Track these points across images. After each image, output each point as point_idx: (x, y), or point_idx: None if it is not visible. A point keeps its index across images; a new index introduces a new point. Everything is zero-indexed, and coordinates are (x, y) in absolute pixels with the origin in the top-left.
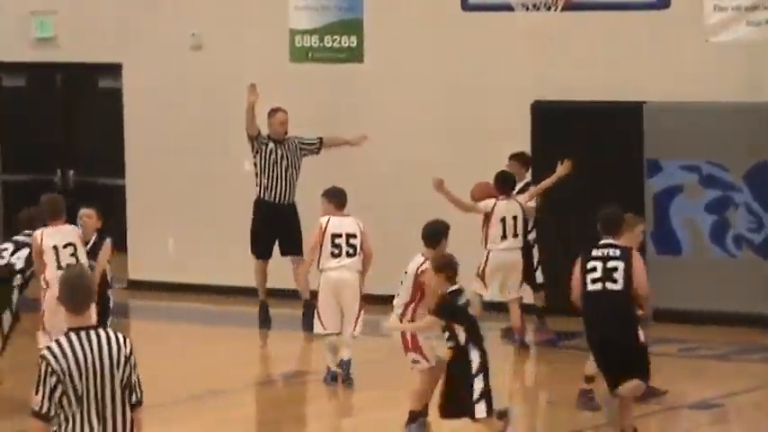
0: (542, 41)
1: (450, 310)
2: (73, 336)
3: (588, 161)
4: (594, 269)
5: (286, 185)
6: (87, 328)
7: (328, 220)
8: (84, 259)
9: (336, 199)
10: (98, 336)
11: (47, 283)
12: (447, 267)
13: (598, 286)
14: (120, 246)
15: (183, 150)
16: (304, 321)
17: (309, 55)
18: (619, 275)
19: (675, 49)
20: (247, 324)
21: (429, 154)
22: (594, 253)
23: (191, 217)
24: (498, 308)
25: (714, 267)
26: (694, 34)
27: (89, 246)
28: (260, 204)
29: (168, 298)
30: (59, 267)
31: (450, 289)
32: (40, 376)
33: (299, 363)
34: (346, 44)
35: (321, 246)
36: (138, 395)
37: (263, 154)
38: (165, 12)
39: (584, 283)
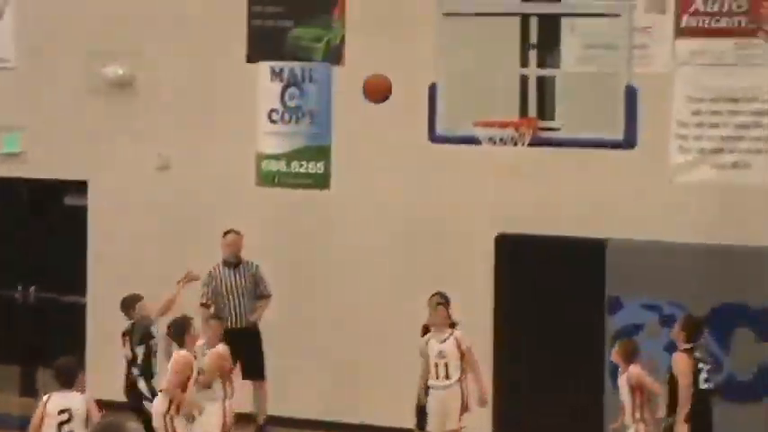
0: (508, 176)
1: None
2: None
3: (551, 295)
4: None
5: (237, 309)
6: None
7: None
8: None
9: None
10: None
11: None
12: None
13: None
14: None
15: (148, 270)
16: None
17: (276, 179)
18: None
19: (640, 188)
20: None
21: (391, 283)
22: None
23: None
24: None
25: None
26: (659, 174)
27: None
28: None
29: None
30: None
31: None
32: None
33: None
34: (313, 170)
35: None
36: None
37: (211, 285)
38: (132, 131)
39: None
